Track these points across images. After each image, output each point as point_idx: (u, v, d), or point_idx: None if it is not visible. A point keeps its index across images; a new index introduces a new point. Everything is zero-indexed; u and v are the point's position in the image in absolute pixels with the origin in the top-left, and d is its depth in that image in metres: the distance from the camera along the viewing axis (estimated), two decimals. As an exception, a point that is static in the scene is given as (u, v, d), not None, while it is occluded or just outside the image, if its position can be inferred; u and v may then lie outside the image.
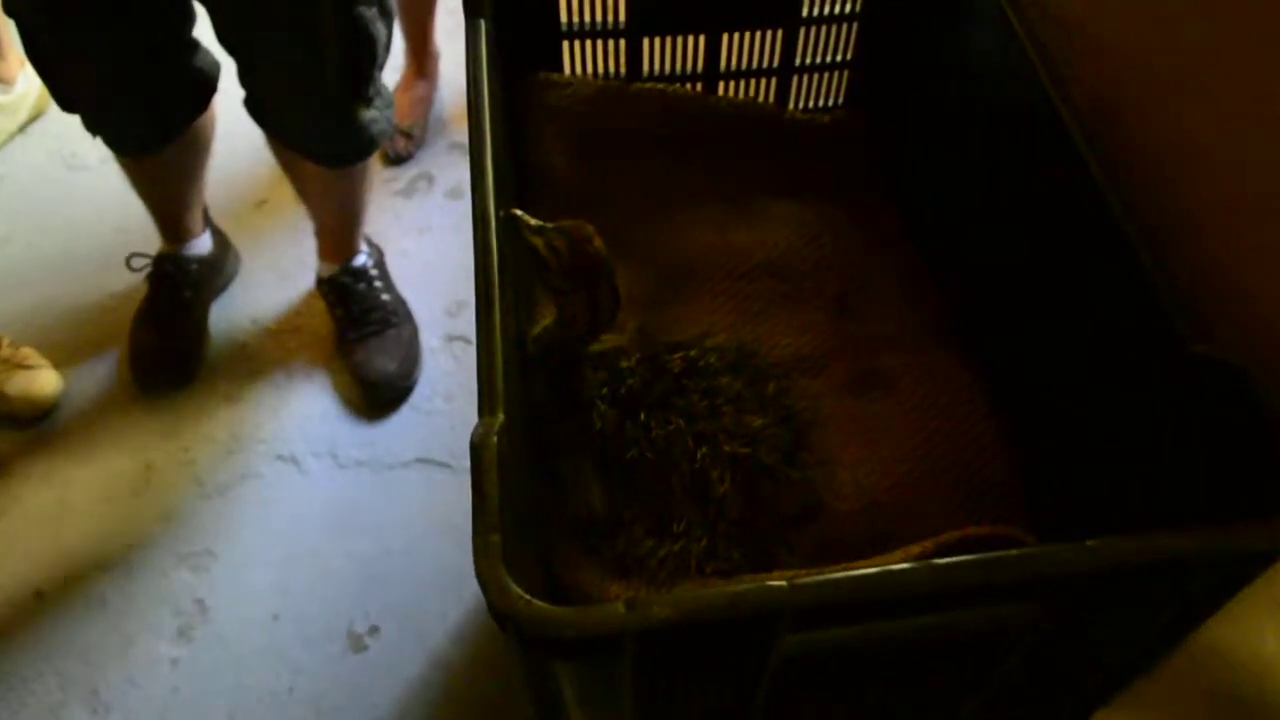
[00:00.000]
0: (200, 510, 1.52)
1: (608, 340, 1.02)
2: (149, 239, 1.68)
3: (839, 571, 0.66)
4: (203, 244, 1.69)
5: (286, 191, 1.63)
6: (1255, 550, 0.67)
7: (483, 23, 0.98)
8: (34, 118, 2.05)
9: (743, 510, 0.98)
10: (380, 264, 1.72)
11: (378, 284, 1.68)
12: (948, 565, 0.64)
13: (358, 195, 1.56)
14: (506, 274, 0.80)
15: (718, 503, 0.98)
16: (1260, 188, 0.83)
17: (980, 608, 0.69)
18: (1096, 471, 0.93)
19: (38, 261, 1.82)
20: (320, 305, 1.72)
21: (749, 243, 1.20)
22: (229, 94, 1.40)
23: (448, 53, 2.05)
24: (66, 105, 1.36)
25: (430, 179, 1.95)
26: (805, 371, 1.11)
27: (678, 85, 1.27)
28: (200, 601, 1.43)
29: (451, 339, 1.72)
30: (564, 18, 1.20)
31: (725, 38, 1.24)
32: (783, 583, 0.61)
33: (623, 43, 1.23)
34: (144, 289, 1.68)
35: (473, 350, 1.63)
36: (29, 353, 1.64)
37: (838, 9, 1.24)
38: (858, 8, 1.23)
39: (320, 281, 1.69)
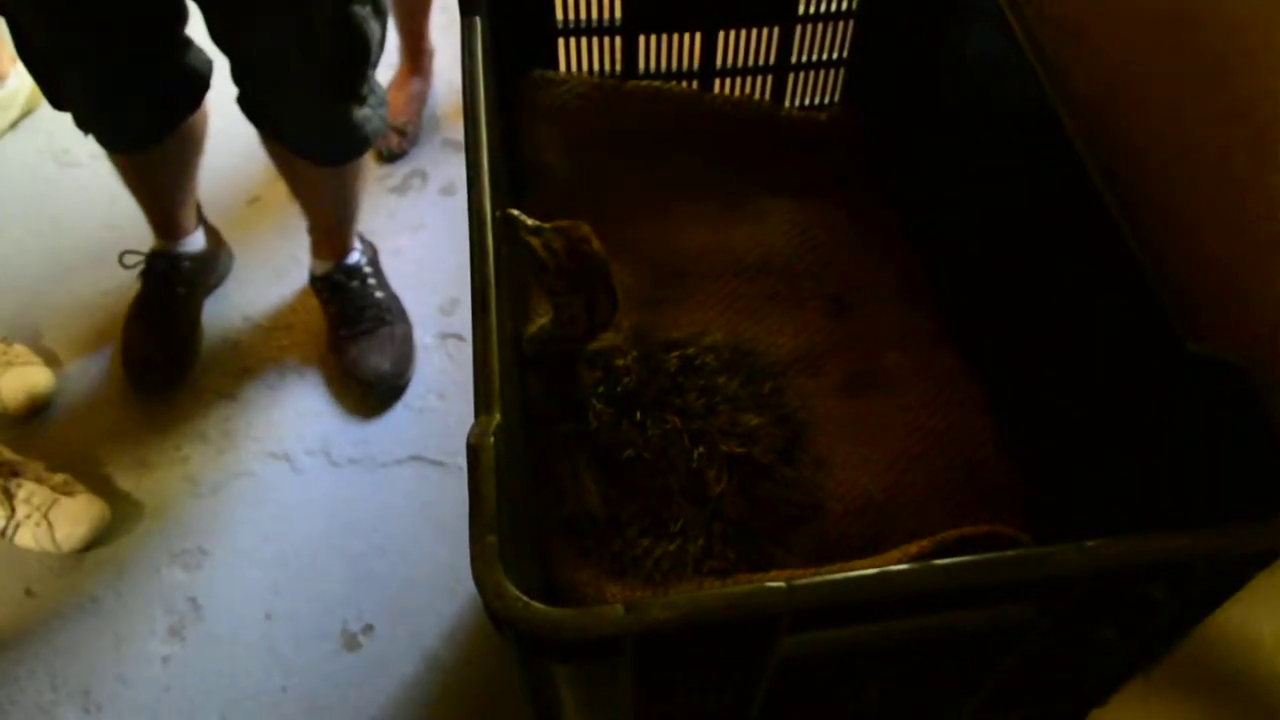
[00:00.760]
0: (192, 508, 1.51)
1: (604, 339, 1.02)
2: (141, 236, 1.67)
3: (837, 572, 0.66)
4: (195, 241, 1.68)
5: (279, 189, 1.62)
6: (1253, 550, 0.67)
7: (478, 20, 0.98)
8: (25, 114, 2.03)
9: (739, 510, 0.98)
10: (374, 261, 1.71)
11: (371, 281, 1.68)
12: (946, 566, 0.64)
13: (351, 193, 1.56)
14: (502, 274, 0.80)
15: (714, 502, 0.98)
16: (1258, 187, 0.83)
17: (979, 608, 0.69)
18: (1094, 470, 0.93)
19: (29, 258, 1.81)
20: (313, 303, 1.71)
21: (745, 241, 1.20)
22: (222, 91, 1.40)
23: (442, 49, 2.04)
24: (58, 103, 1.35)
25: (424, 176, 1.94)
26: (802, 371, 1.11)
27: (674, 83, 1.27)
28: (192, 600, 1.42)
29: (445, 336, 1.71)
30: (559, 15, 1.20)
31: (721, 35, 1.24)
32: (782, 584, 0.61)
33: (618, 40, 1.22)
34: (136, 286, 1.67)
35: (466, 348, 1.63)
36: (21, 350, 1.63)
37: (834, 6, 1.24)
38: (854, 5, 1.23)
39: (314, 279, 1.68)
